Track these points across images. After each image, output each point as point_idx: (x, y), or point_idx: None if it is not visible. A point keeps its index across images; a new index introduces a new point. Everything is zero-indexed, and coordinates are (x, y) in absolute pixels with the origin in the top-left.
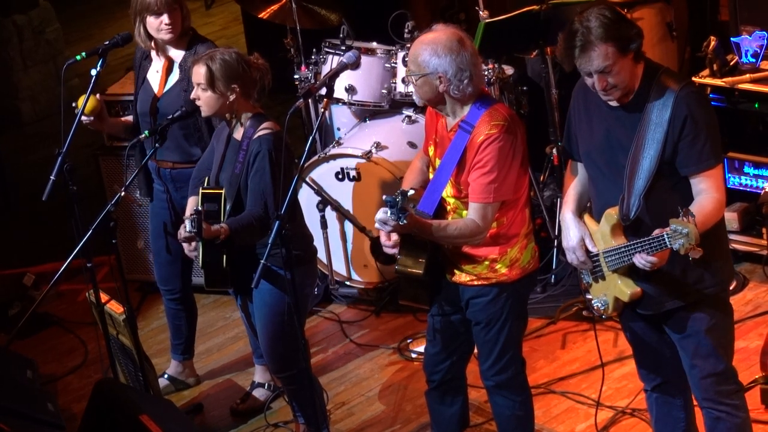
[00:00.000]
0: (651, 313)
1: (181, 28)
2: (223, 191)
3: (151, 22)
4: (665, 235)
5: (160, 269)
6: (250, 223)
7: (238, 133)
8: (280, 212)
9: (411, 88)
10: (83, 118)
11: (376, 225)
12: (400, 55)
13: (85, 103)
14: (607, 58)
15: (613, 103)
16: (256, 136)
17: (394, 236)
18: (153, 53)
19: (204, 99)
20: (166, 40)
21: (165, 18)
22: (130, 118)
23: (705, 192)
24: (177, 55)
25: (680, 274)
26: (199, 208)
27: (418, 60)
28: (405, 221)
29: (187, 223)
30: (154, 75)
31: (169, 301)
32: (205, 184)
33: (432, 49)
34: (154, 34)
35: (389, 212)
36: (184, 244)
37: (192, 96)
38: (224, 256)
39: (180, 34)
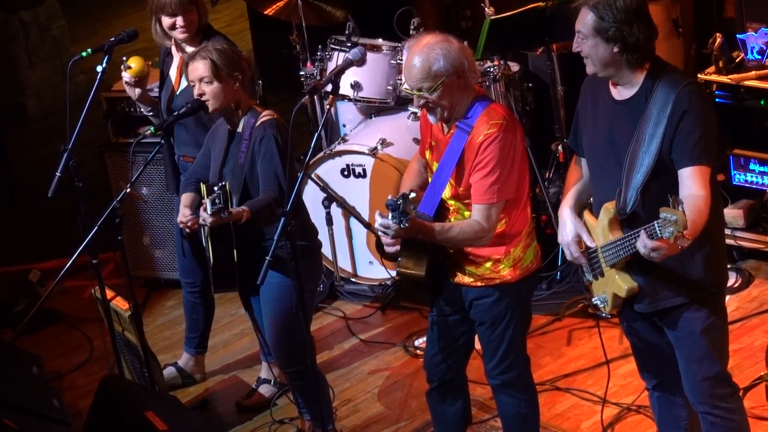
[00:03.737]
0: (647, 311)
1: (197, 27)
2: (227, 184)
3: (166, 21)
4: (656, 225)
5: (182, 261)
6: (269, 204)
7: (239, 126)
8: (285, 209)
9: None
10: (125, 75)
11: (378, 229)
12: (406, 51)
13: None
14: (584, 26)
15: (618, 97)
16: (258, 123)
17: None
18: (173, 50)
19: (210, 92)
20: (180, 39)
21: (179, 20)
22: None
23: (693, 189)
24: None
25: (677, 272)
26: (222, 183)
27: (433, 70)
28: (407, 224)
29: (208, 204)
30: (174, 72)
31: (188, 294)
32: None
33: (439, 52)
34: (169, 32)
35: (391, 215)
36: (181, 219)
37: (197, 93)
38: (234, 251)
39: (196, 33)
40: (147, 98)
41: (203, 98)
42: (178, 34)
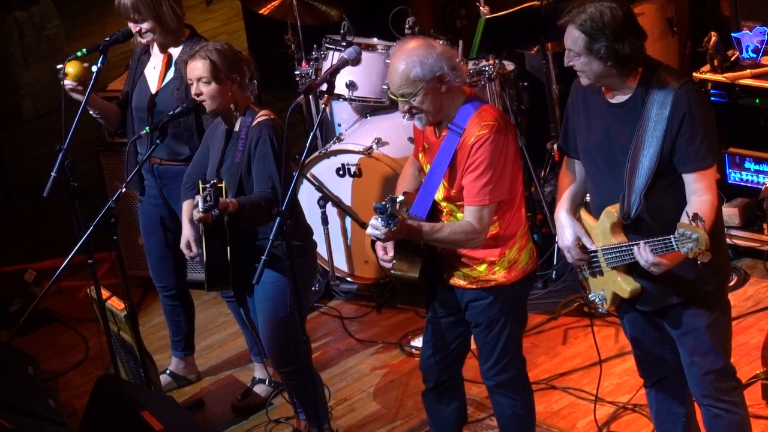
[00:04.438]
0: (649, 310)
1: (159, 35)
2: (223, 184)
3: (129, 24)
4: (672, 239)
5: (153, 266)
6: (259, 203)
7: (236, 125)
8: (281, 209)
9: (415, 120)
10: (66, 83)
11: (368, 232)
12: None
13: (65, 64)
14: (574, 44)
15: (613, 101)
16: (255, 123)
17: (390, 251)
18: (151, 49)
19: (208, 92)
20: (144, 44)
21: (132, 26)
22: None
23: (699, 193)
24: (173, 52)
25: (679, 271)
26: (213, 181)
27: (410, 77)
28: (395, 228)
29: (200, 201)
30: (151, 71)
31: (165, 298)
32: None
33: (416, 59)
34: None
35: (379, 219)
36: (185, 250)
37: (194, 92)
38: (228, 249)
39: (164, 39)
40: (97, 104)
41: (200, 98)
42: (140, 38)
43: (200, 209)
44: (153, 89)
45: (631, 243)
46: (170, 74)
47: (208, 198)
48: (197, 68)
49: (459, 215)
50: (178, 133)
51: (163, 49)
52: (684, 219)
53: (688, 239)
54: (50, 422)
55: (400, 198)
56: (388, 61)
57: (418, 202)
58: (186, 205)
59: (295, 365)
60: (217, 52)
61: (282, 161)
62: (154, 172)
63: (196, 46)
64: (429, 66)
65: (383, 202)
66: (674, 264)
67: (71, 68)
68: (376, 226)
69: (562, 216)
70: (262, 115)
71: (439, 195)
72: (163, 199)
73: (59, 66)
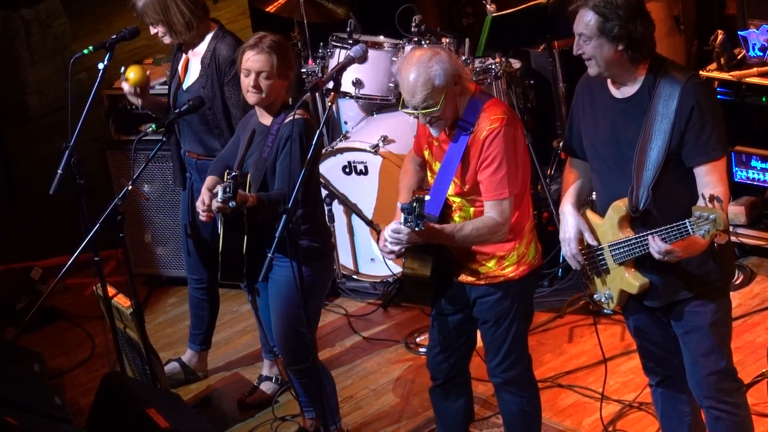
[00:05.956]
0: (657, 306)
1: (172, 38)
2: (248, 176)
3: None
4: (687, 223)
5: (187, 258)
6: (278, 201)
7: (267, 120)
8: (286, 206)
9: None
10: (125, 86)
11: (389, 234)
12: (408, 48)
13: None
14: (586, 27)
15: (619, 95)
16: (287, 120)
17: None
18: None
19: (266, 87)
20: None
21: (150, 27)
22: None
23: (712, 185)
24: (198, 50)
25: (687, 266)
26: (235, 173)
27: (436, 86)
28: (422, 228)
29: (220, 191)
30: (181, 67)
31: (195, 290)
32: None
33: (438, 68)
34: None
35: (405, 219)
36: (197, 204)
37: (251, 84)
38: (244, 243)
39: (178, 40)
40: (151, 104)
41: (254, 91)
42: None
43: (219, 199)
44: (183, 86)
45: (640, 235)
46: (194, 72)
47: (228, 189)
48: (260, 61)
49: (470, 210)
50: (208, 129)
51: (186, 47)
52: (700, 202)
53: (706, 221)
54: (56, 420)
55: (427, 198)
56: (394, 59)
57: (430, 201)
58: (210, 179)
59: (307, 363)
60: (278, 46)
61: (307, 162)
62: (190, 164)
63: (219, 44)
64: (449, 71)
65: (410, 202)
66: (686, 253)
67: (132, 73)
68: (398, 229)
69: (566, 209)
70: (295, 114)
71: (450, 191)
72: (191, 195)
73: (123, 69)
